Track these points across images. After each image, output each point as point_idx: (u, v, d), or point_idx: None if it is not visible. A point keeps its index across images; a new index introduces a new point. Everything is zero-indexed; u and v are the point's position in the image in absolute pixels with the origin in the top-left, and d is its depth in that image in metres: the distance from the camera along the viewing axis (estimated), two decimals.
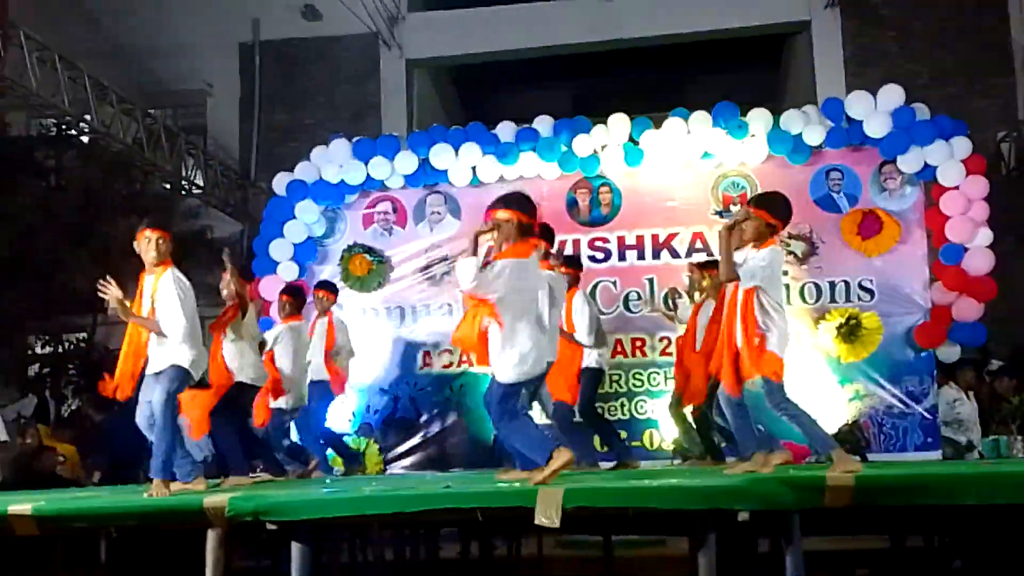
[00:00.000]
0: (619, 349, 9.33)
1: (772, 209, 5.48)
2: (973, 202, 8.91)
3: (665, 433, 9.07)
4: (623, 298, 9.43)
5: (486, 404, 5.52)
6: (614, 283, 9.44)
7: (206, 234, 12.52)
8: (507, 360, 5.27)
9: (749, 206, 5.55)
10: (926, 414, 8.90)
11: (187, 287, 5.75)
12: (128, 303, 5.67)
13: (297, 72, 13.98)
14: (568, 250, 9.06)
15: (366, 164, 9.80)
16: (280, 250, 9.91)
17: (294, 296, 8.20)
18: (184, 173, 12.62)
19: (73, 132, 11.59)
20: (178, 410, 5.90)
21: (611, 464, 7.80)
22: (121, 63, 13.15)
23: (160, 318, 5.65)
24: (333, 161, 9.95)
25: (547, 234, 6.72)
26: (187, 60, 13.84)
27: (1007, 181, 11.22)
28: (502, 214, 5.35)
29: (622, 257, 9.55)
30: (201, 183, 12.83)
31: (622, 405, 9.26)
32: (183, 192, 12.77)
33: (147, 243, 5.73)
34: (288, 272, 9.83)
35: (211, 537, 4.59)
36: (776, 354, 5.30)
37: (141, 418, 5.76)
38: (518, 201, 5.47)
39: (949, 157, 8.92)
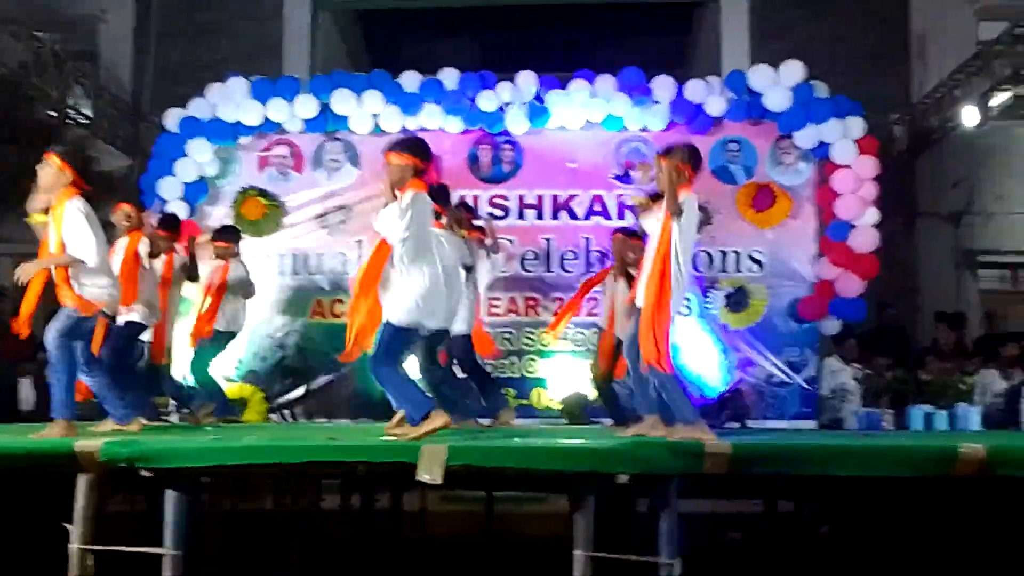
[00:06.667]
0: (512, 307, 9.38)
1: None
2: (863, 181, 9.15)
3: (552, 392, 9.17)
4: (520, 257, 9.44)
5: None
6: (511, 241, 9.38)
7: (92, 167, 11.93)
8: (400, 300, 5.21)
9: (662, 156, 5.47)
10: (805, 384, 9.21)
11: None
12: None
13: (197, 5, 13.44)
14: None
15: (264, 105, 9.52)
16: (169, 188, 9.58)
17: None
18: (71, 102, 12.03)
19: None
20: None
21: (487, 420, 7.28)
22: None
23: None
24: (230, 100, 9.61)
25: (443, 195, 6.59)
26: None
27: (897, 163, 11.52)
28: (397, 159, 5.30)
29: (521, 216, 9.54)
30: (90, 113, 12.26)
31: (512, 364, 9.31)
32: (69, 121, 12.18)
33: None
34: (177, 211, 9.49)
35: (82, 482, 4.44)
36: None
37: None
38: (415, 146, 5.43)
39: (843, 136, 9.13)
